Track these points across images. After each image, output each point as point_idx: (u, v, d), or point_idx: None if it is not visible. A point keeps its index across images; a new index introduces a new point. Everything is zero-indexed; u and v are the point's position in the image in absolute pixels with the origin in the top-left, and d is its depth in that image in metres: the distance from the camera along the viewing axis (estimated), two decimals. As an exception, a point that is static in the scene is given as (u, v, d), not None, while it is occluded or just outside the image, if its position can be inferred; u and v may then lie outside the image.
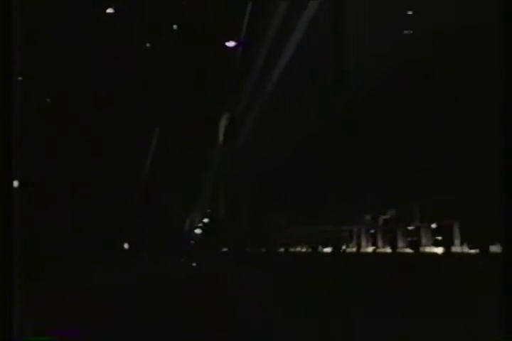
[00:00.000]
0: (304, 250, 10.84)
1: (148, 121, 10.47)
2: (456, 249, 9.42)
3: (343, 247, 10.83)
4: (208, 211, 10.93)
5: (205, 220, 11.76)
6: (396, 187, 9.85)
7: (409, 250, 9.81)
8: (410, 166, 9.48)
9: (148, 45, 10.53)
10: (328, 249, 10.87)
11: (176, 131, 10.73)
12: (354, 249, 10.74)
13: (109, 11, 10.35)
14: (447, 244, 9.41)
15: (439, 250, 9.50)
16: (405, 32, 9.13)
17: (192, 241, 10.90)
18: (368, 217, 10.86)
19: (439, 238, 9.57)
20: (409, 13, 9.13)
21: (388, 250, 10.08)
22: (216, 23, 10.36)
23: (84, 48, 9.97)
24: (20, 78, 8.61)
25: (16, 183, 6.29)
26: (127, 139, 10.27)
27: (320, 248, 11.15)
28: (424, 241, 9.70)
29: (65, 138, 10.00)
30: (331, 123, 9.85)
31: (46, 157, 9.75)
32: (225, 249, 12.19)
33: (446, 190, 9.18)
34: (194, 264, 10.79)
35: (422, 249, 9.69)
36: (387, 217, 10.63)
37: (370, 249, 10.29)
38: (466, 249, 9.36)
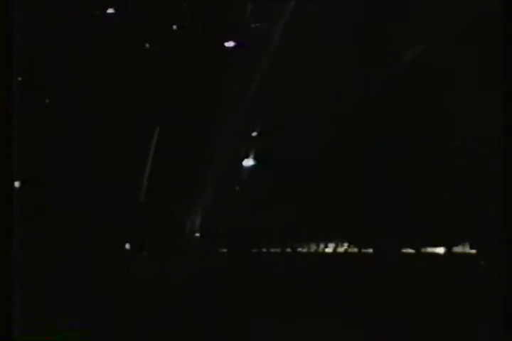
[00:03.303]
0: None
1: (149, 121, 10.48)
2: (457, 249, 9.43)
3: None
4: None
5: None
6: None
7: (410, 250, 9.81)
8: None
9: (147, 45, 10.53)
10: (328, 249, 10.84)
11: (176, 131, 10.73)
12: (355, 249, 10.72)
13: (110, 11, 10.34)
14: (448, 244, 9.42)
15: (441, 250, 9.50)
16: None
17: (197, 234, 10.71)
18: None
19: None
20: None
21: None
22: (216, 23, 10.37)
23: (84, 48, 9.97)
24: (20, 78, 8.63)
25: (16, 183, 6.31)
26: (127, 139, 10.27)
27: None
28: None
29: (64, 137, 10.00)
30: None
31: (46, 157, 9.75)
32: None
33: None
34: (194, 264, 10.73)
35: (423, 250, 9.69)
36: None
37: (370, 249, 10.27)
38: (467, 249, 9.37)
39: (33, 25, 8.87)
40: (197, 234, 10.86)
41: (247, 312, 8.26)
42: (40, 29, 9.42)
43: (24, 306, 5.82)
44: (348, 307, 8.25)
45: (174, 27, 10.53)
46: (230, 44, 10.45)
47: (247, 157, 10.61)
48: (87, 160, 9.97)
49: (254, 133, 10.62)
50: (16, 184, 6.80)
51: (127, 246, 10.29)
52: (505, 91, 6.32)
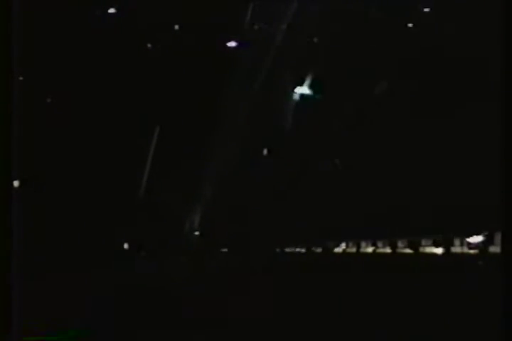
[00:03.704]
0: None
1: (149, 121, 10.48)
2: (456, 249, 9.43)
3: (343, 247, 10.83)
4: None
5: None
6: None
7: (409, 250, 9.81)
8: None
9: (149, 45, 10.54)
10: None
11: (176, 131, 10.74)
12: (354, 249, 10.74)
13: (110, 10, 10.35)
14: (447, 244, 9.42)
15: (439, 250, 9.50)
16: None
17: (197, 233, 10.50)
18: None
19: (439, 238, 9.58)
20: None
21: (388, 250, 10.08)
22: (217, 23, 10.37)
23: (84, 48, 9.97)
24: (20, 78, 8.63)
25: (16, 183, 6.31)
26: (127, 139, 10.28)
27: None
28: (423, 241, 9.71)
29: (64, 137, 10.01)
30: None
31: (45, 157, 9.76)
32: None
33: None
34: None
35: (421, 250, 9.69)
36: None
37: (369, 249, 10.29)
38: (466, 250, 9.37)
39: (33, 25, 8.87)
40: (196, 234, 10.86)
41: (247, 312, 8.26)
42: (40, 29, 9.42)
43: (24, 306, 5.82)
44: (348, 307, 8.25)
45: (176, 27, 10.54)
46: (232, 44, 10.46)
47: (302, 84, 9.92)
48: (87, 159, 9.98)
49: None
50: (16, 183, 6.79)
51: (126, 245, 10.30)
52: (504, 92, 6.33)
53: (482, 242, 9.02)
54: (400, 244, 9.91)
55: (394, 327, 7.59)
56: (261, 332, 7.61)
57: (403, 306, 8.03)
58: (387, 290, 8.39)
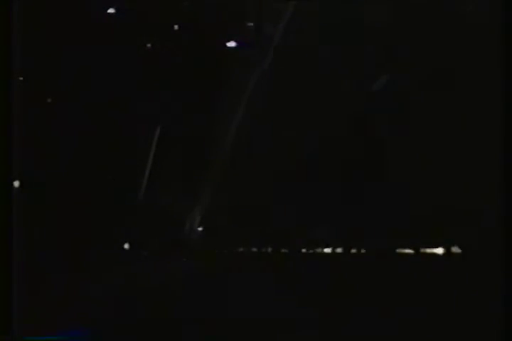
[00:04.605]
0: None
1: (149, 121, 10.50)
2: (456, 249, 9.44)
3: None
4: None
5: None
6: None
7: (409, 250, 9.81)
8: None
9: (149, 45, 10.54)
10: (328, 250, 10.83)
11: (176, 131, 10.76)
12: (354, 250, 10.72)
13: (110, 11, 10.35)
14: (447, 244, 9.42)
15: (440, 250, 9.50)
16: None
17: (200, 228, 10.45)
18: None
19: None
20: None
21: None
22: (217, 23, 10.38)
23: (84, 48, 9.98)
24: (20, 78, 8.64)
25: (16, 183, 6.32)
26: (127, 139, 10.29)
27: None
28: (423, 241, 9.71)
29: (65, 137, 10.01)
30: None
31: (45, 157, 9.76)
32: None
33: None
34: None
35: (422, 250, 9.69)
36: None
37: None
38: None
39: (33, 25, 8.88)
40: (197, 234, 10.86)
41: (246, 312, 8.27)
42: (40, 29, 9.43)
43: (24, 306, 5.83)
44: (347, 307, 8.25)
45: (175, 27, 10.55)
46: (231, 44, 10.47)
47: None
48: (87, 159, 9.99)
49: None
50: (16, 184, 6.80)
51: (126, 245, 10.30)
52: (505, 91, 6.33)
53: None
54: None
55: (394, 328, 7.60)
56: (261, 332, 7.62)
57: (403, 306, 8.04)
58: (387, 291, 8.40)
